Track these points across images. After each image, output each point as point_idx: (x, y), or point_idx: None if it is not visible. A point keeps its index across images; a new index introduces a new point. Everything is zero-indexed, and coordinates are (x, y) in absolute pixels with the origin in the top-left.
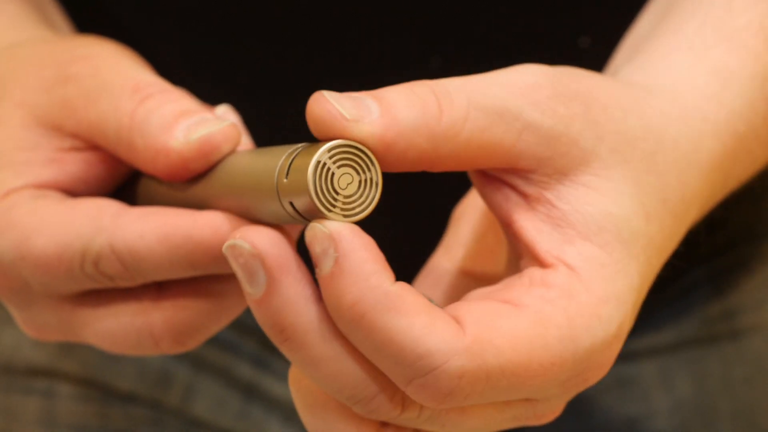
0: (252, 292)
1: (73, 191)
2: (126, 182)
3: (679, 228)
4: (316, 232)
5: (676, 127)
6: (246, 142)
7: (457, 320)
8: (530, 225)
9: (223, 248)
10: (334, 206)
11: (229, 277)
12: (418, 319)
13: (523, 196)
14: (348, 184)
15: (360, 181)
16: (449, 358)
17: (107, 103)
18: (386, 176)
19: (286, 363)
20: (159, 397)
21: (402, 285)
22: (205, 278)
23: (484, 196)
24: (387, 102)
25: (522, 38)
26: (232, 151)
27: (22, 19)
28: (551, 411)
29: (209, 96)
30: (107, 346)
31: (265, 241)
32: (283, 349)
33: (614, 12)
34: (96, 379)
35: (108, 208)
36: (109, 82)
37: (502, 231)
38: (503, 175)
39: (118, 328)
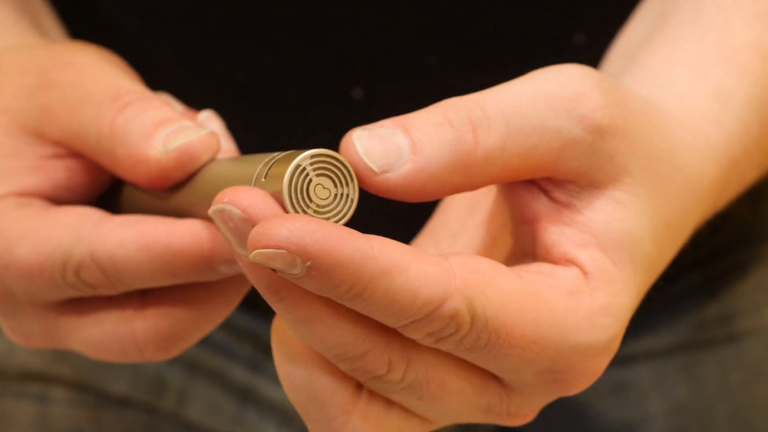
0: (245, 253)
1: (56, 198)
2: (110, 189)
3: (671, 253)
4: (269, 255)
5: (685, 152)
6: (229, 148)
7: (446, 261)
8: (554, 227)
9: (210, 212)
10: (305, 212)
11: (212, 285)
12: (410, 271)
13: (552, 199)
14: (324, 195)
15: (336, 195)
16: (443, 301)
17: (88, 112)
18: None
19: None
20: (153, 402)
21: (380, 241)
22: (188, 286)
23: (506, 191)
24: (418, 140)
25: (517, 36)
26: (212, 160)
27: (11, 26)
28: (524, 411)
29: (204, 97)
30: (92, 353)
31: (255, 203)
32: (277, 309)
33: (609, 9)
34: (90, 383)
35: (89, 217)
36: (89, 90)
37: (513, 226)
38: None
39: (101, 336)
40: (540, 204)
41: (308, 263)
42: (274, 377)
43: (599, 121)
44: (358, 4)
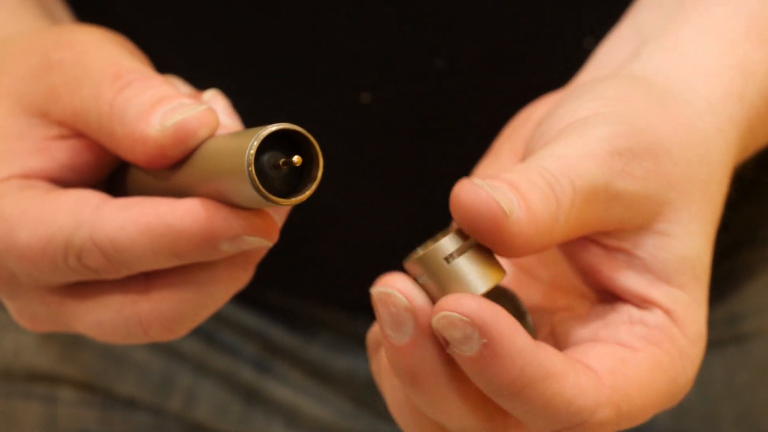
0: (394, 337)
1: (60, 180)
2: (117, 170)
3: None
4: (453, 319)
5: (715, 144)
6: (234, 126)
7: (592, 369)
8: (615, 274)
9: (374, 293)
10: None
11: (215, 265)
12: (567, 380)
13: (603, 246)
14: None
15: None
16: (595, 410)
17: (89, 91)
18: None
19: (288, 367)
20: (160, 402)
21: (544, 347)
22: (192, 266)
23: (561, 247)
24: (524, 194)
25: (526, 39)
26: (211, 136)
27: (22, 12)
28: None
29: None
30: (97, 335)
31: (418, 297)
32: (409, 390)
33: (619, 12)
34: (97, 384)
35: (90, 200)
36: (91, 69)
37: (579, 274)
38: None
39: (107, 318)
40: (592, 254)
41: (484, 341)
42: (281, 377)
43: (633, 171)
44: (365, 8)
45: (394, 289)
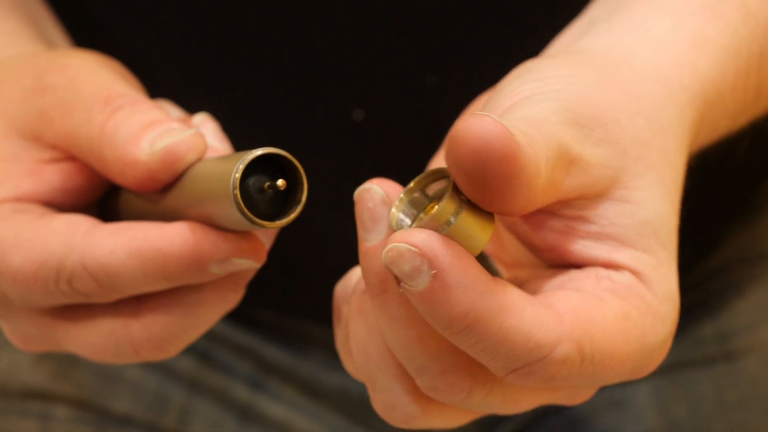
0: (369, 238)
1: (53, 202)
2: (109, 193)
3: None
4: (402, 251)
5: (666, 109)
6: (224, 149)
7: (553, 307)
8: (577, 245)
9: (355, 195)
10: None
11: (204, 287)
12: (525, 313)
13: (562, 218)
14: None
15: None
16: (556, 345)
17: (80, 115)
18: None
19: (282, 384)
20: (155, 420)
21: (498, 280)
22: (182, 289)
23: (511, 225)
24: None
25: (517, 56)
26: (199, 160)
27: (19, 37)
28: (585, 396)
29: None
30: (88, 355)
31: (396, 191)
32: (375, 302)
33: None
34: (92, 401)
35: (81, 225)
36: (82, 93)
37: (538, 255)
38: None
39: (98, 339)
40: (551, 230)
41: (433, 272)
42: (275, 395)
43: (585, 139)
44: (358, 27)
45: (372, 184)
